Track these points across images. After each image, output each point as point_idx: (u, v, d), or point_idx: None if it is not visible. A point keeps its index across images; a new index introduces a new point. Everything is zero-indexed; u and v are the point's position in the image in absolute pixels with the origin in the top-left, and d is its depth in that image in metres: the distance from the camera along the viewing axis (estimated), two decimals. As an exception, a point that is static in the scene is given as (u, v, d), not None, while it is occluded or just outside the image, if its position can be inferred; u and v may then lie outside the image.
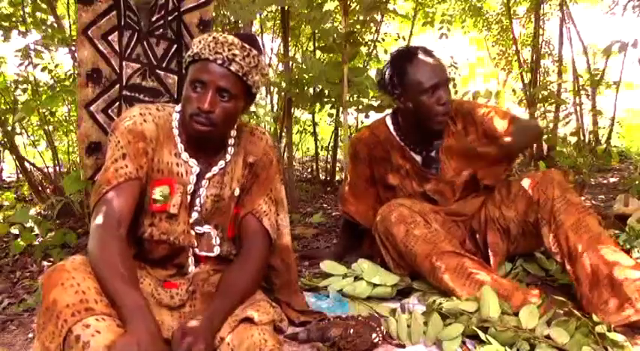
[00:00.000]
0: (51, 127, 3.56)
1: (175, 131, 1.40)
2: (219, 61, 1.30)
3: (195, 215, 1.42)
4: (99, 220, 1.25)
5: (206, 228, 1.44)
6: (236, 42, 1.33)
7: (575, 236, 1.63)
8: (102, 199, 1.28)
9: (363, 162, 2.04)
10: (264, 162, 1.50)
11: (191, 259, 1.43)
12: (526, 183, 1.81)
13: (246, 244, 1.45)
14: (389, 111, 2.15)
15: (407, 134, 1.96)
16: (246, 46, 1.35)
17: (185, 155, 1.40)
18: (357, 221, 2.08)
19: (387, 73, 1.91)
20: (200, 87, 1.31)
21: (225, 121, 1.34)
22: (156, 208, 1.36)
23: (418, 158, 1.96)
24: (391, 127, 1.99)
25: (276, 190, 1.55)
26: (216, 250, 1.45)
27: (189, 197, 1.40)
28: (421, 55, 1.85)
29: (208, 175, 1.42)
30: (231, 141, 1.46)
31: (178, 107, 1.44)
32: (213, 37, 1.33)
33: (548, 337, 1.38)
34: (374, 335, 1.43)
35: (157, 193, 1.36)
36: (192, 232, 1.41)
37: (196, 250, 1.43)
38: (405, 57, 1.86)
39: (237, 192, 1.46)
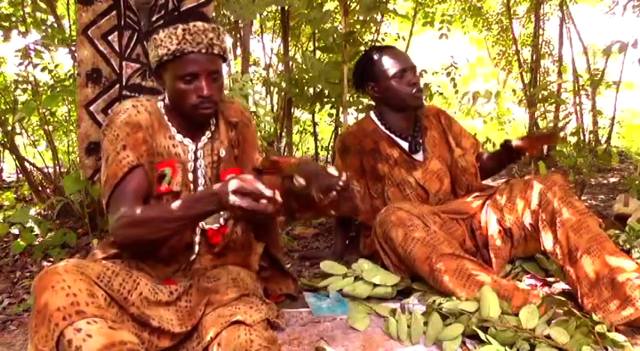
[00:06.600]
0: (51, 127, 3.55)
1: (165, 117, 1.49)
2: (204, 50, 1.37)
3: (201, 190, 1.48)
4: (119, 210, 1.33)
5: None
6: (206, 26, 1.38)
7: (575, 236, 1.64)
8: (115, 192, 1.37)
9: (353, 154, 2.10)
10: (244, 121, 1.60)
11: (197, 238, 1.48)
12: (528, 186, 1.82)
13: None
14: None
15: (390, 123, 2.08)
16: (211, 25, 1.40)
17: (179, 136, 1.48)
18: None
19: (358, 71, 2.12)
20: (191, 78, 1.38)
21: (220, 96, 1.45)
22: (162, 190, 1.42)
23: (405, 145, 2.05)
24: (376, 119, 2.11)
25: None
26: (222, 221, 1.50)
27: (191, 175, 1.48)
28: (385, 50, 2.09)
29: (200, 145, 1.51)
30: None
31: (160, 97, 1.52)
32: (183, 29, 1.36)
33: (548, 336, 1.38)
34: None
35: (161, 173, 1.42)
36: None
37: (203, 224, 1.47)
38: (371, 53, 2.09)
39: (222, 153, 1.52)
